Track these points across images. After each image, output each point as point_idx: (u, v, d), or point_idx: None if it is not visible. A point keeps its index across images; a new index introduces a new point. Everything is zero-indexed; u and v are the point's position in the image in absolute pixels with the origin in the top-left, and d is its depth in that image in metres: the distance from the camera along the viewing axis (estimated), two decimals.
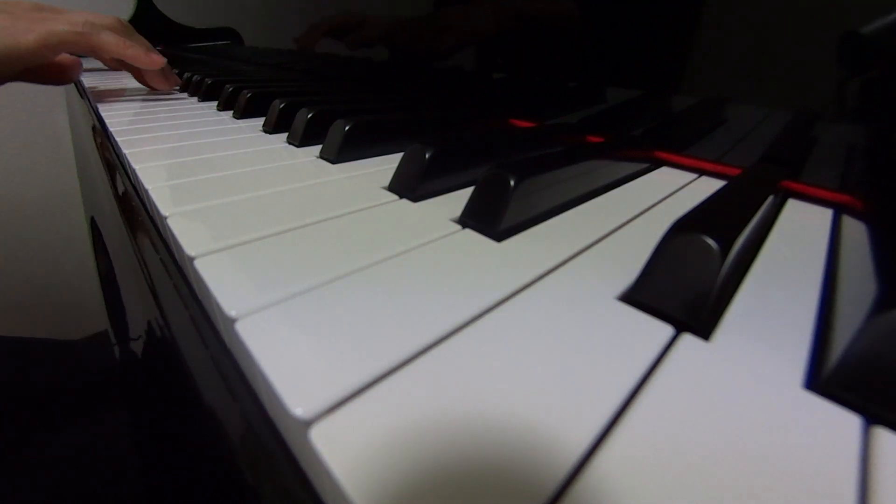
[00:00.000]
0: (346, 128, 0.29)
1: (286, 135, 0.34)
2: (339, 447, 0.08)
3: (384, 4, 0.48)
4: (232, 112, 0.44)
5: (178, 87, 0.61)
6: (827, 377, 0.11)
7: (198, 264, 0.15)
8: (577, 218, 0.21)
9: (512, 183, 0.18)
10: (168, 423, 0.20)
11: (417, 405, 0.10)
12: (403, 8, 0.46)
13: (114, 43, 0.48)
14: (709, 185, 0.27)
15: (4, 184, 1.07)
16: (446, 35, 0.43)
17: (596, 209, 0.22)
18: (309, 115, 0.32)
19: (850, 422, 0.10)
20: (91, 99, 0.53)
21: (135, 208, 0.25)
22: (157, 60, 0.53)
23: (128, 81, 0.66)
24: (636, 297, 0.14)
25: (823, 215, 0.22)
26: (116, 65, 0.59)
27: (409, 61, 0.48)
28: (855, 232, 0.19)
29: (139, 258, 0.22)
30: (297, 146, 0.32)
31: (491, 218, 0.18)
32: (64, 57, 0.51)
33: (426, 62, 0.46)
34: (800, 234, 0.20)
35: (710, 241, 0.13)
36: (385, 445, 0.09)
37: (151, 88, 0.58)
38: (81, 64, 0.55)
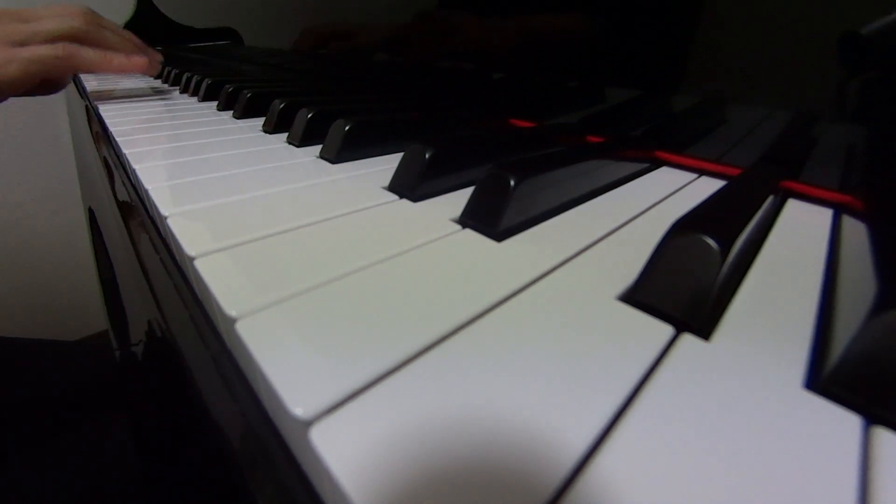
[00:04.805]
0: (347, 128, 0.29)
1: (286, 135, 0.34)
2: (340, 447, 0.08)
3: (382, 8, 0.48)
4: (232, 112, 0.44)
5: (161, 61, 0.60)
6: (827, 377, 0.11)
7: (198, 264, 0.15)
8: (577, 218, 0.21)
9: (512, 183, 0.18)
10: (168, 423, 0.20)
11: (417, 405, 0.10)
12: (402, 13, 0.46)
13: (97, 60, 0.48)
14: (709, 185, 0.27)
15: (4, 184, 1.07)
16: (447, 44, 0.43)
17: (596, 209, 0.22)
18: (309, 115, 0.32)
19: (850, 422, 0.10)
20: (91, 99, 0.53)
21: (135, 208, 0.25)
22: (139, 63, 0.52)
23: (127, 82, 0.66)
24: (636, 297, 0.14)
25: (823, 215, 0.22)
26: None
27: (406, 63, 0.48)
28: (855, 232, 0.19)
29: (139, 258, 0.22)
30: (297, 146, 0.32)
31: (491, 218, 0.18)
32: None
33: (423, 64, 0.46)
34: (800, 234, 0.20)
35: (710, 241, 0.13)
36: (385, 445, 0.09)
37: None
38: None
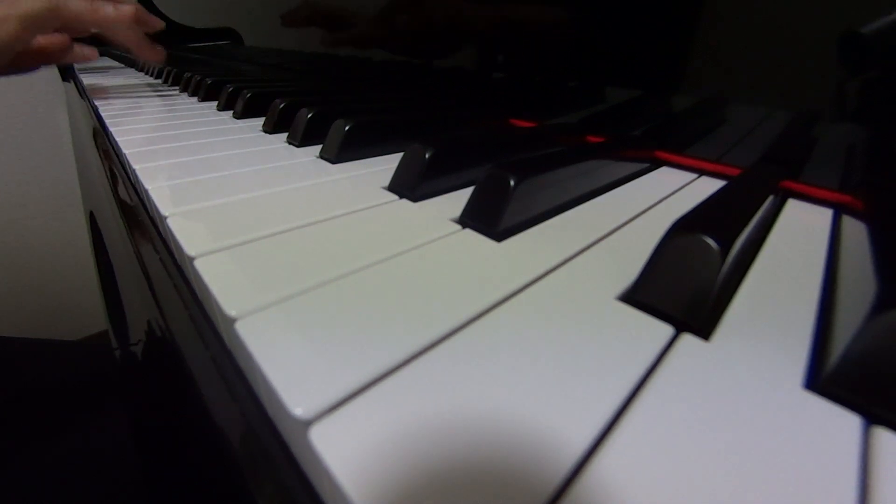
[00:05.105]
0: (347, 127, 0.29)
1: (286, 135, 0.34)
2: (339, 447, 0.08)
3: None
4: (232, 112, 0.44)
5: (163, 62, 0.60)
6: (827, 377, 0.11)
7: (198, 264, 0.15)
8: (577, 218, 0.21)
9: (512, 183, 0.18)
10: (168, 423, 0.20)
11: (417, 405, 0.10)
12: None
13: (83, 10, 0.47)
14: (709, 185, 0.27)
15: (4, 184, 1.07)
16: (433, 31, 0.43)
17: (596, 209, 0.22)
18: (309, 115, 0.32)
19: (850, 422, 0.10)
20: (91, 99, 0.53)
21: (135, 208, 0.25)
22: (125, 11, 0.50)
23: (127, 80, 0.66)
24: (636, 296, 0.14)
25: (823, 215, 0.22)
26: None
27: (405, 58, 0.48)
28: (855, 232, 0.19)
29: (139, 258, 0.22)
30: (298, 146, 0.32)
31: (491, 218, 0.18)
32: (42, 39, 0.51)
33: (420, 59, 0.46)
34: (800, 234, 0.20)
35: (710, 241, 0.13)
36: (385, 445, 0.09)
37: (145, 58, 0.57)
38: (70, 44, 0.55)
